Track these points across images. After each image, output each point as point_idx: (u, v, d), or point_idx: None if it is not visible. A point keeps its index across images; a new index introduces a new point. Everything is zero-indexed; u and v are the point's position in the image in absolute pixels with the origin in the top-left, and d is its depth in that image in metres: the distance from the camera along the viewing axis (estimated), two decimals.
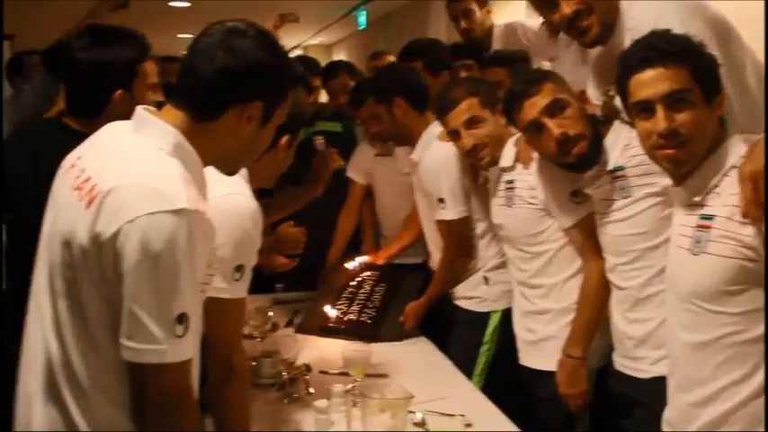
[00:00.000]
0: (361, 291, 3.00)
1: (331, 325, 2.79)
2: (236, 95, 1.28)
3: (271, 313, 2.60)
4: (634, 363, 1.96)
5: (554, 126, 1.98)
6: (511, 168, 2.32)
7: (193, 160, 1.27)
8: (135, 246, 1.13)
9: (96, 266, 1.17)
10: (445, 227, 2.66)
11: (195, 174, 1.26)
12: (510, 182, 2.32)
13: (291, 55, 3.79)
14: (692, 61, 1.55)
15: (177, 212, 1.14)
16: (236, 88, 1.27)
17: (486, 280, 2.65)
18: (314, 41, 11.48)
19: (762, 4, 1.92)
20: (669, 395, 1.68)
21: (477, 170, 2.57)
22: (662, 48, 1.55)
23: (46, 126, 2.27)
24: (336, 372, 2.29)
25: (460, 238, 2.65)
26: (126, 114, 1.45)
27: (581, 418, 2.21)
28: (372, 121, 2.85)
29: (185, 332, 1.17)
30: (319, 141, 3.30)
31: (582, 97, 2.05)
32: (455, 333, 2.74)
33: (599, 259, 2.07)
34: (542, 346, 2.29)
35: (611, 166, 1.96)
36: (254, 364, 2.28)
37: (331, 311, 2.85)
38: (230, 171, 1.42)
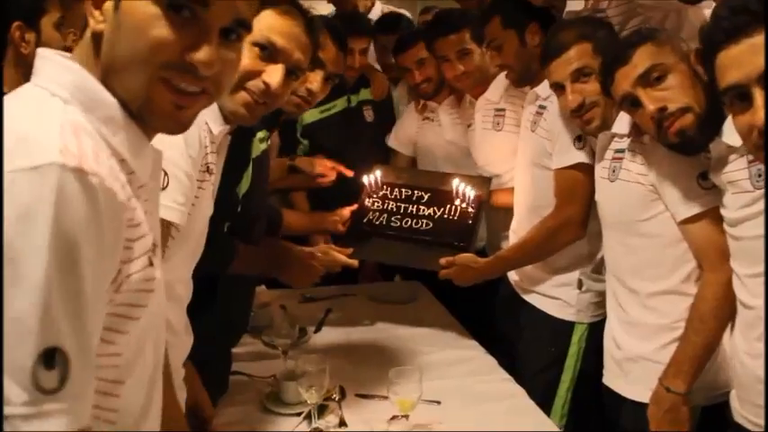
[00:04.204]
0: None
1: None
2: None
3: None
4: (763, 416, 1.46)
5: (649, 100, 1.60)
6: (625, 136, 1.84)
7: (108, 107, 0.86)
8: None
9: None
10: (569, 178, 2.10)
11: (113, 127, 0.86)
12: (620, 151, 1.84)
13: (326, 12, 3.36)
14: None
15: (40, 170, 0.73)
16: None
17: (580, 284, 2.18)
18: None
19: None
20: None
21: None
22: (754, 8, 1.16)
23: None
24: (377, 395, 1.89)
25: (585, 197, 2.06)
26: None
27: None
28: (493, 49, 2.36)
29: (62, 383, 0.73)
30: (367, 111, 3.09)
31: (698, 58, 1.55)
32: (528, 341, 2.30)
33: (723, 267, 1.59)
34: (630, 369, 1.85)
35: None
36: (273, 388, 1.90)
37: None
38: None
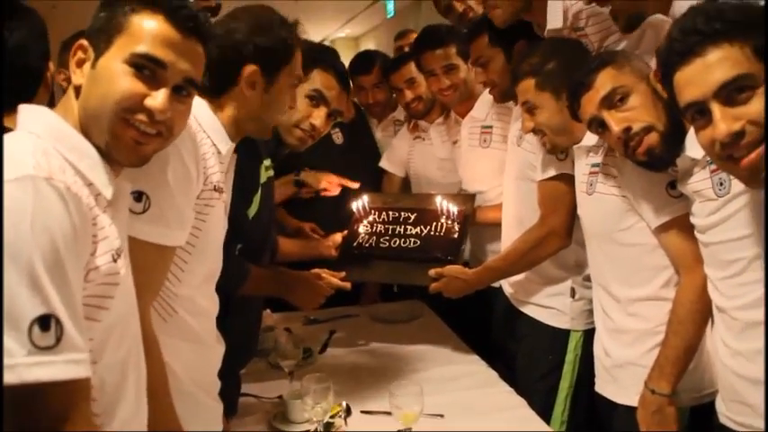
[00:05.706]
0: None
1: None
2: None
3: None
4: (748, 416, 1.48)
5: (614, 121, 1.67)
6: (597, 149, 1.91)
7: (73, 139, 1.10)
8: None
9: None
10: (552, 188, 2.14)
11: (79, 155, 1.09)
12: (595, 165, 1.90)
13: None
14: (750, 34, 1.19)
15: (20, 181, 0.95)
16: None
17: (572, 292, 2.23)
18: (341, 34, 11.11)
19: None
20: None
21: None
22: (702, 28, 1.22)
23: None
24: (382, 411, 1.92)
25: (568, 206, 2.11)
26: None
27: None
28: (480, 66, 2.41)
29: (57, 341, 0.92)
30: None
31: (657, 77, 1.61)
32: (526, 351, 2.34)
33: (698, 270, 1.65)
34: (618, 374, 1.90)
35: (708, 158, 1.52)
36: (280, 408, 1.95)
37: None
38: None
